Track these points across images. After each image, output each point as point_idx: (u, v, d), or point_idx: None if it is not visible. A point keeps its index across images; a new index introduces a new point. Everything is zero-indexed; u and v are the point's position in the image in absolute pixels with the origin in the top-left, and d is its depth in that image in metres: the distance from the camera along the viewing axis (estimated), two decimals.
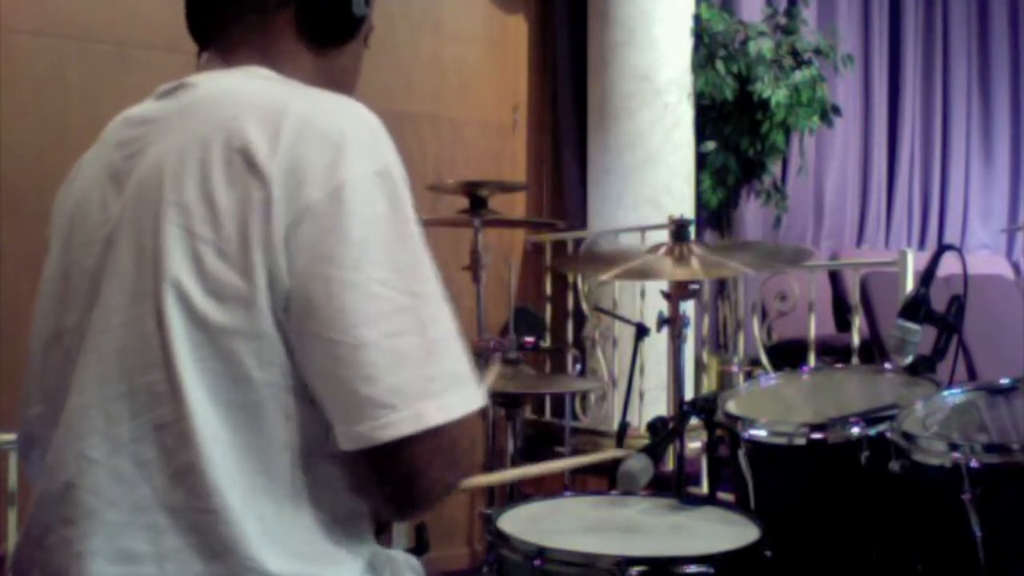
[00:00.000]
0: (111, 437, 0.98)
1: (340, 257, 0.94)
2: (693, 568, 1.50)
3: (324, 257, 0.94)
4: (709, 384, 3.82)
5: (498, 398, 2.50)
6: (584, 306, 4.01)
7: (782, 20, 4.42)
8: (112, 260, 1.03)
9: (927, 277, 1.91)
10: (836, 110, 4.41)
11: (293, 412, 0.98)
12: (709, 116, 4.11)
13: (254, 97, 1.04)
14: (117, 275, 1.02)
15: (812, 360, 3.06)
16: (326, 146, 0.97)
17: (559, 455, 3.64)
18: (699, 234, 4.13)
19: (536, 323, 4.04)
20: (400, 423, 0.93)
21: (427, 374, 0.96)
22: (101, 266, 1.04)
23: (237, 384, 0.96)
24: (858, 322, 3.00)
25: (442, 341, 0.98)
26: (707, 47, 4.01)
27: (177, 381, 0.96)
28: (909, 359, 1.93)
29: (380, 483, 0.99)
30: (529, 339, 2.93)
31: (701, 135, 4.10)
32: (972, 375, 4.19)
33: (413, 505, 1.03)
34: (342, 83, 1.17)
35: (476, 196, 2.84)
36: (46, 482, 1.04)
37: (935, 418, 1.69)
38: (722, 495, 2.00)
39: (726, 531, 1.67)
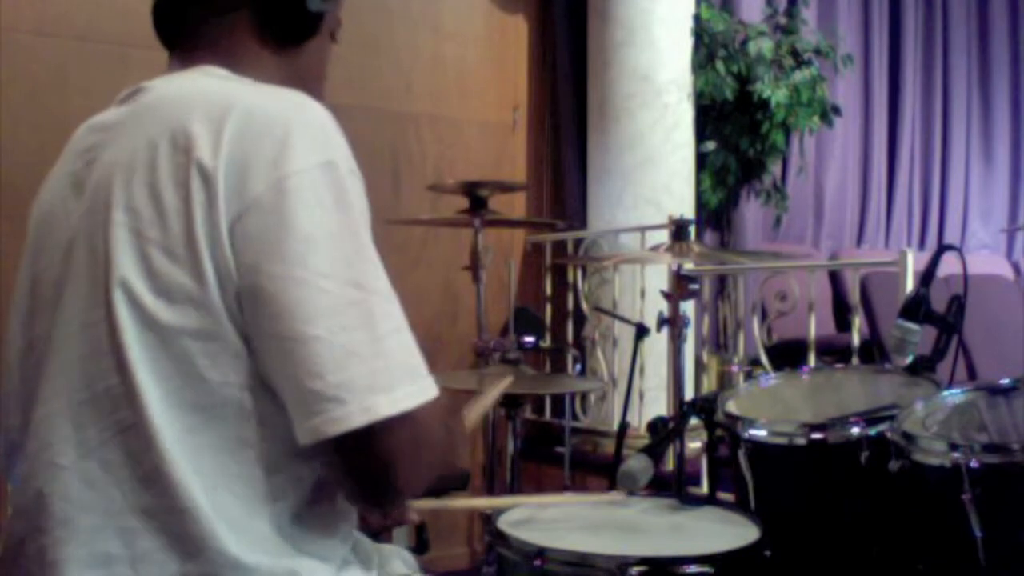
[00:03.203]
0: (79, 443, 0.98)
1: (285, 252, 0.94)
2: (693, 568, 1.50)
3: (269, 252, 0.94)
4: (709, 384, 3.81)
5: (498, 397, 2.50)
6: (584, 306, 4.01)
7: (782, 20, 4.42)
8: (71, 266, 1.03)
9: (927, 277, 1.91)
10: (836, 110, 4.41)
11: (254, 410, 0.98)
12: (709, 116, 4.11)
13: (202, 96, 1.03)
14: (76, 281, 1.02)
15: (812, 360, 3.06)
16: (270, 140, 0.96)
17: (559, 455, 3.65)
18: (699, 234, 4.12)
19: (536, 323, 4.03)
20: (348, 417, 0.93)
21: (376, 368, 0.95)
22: (63, 273, 1.04)
23: (192, 385, 0.96)
24: (858, 322, 2.99)
25: (391, 335, 0.97)
26: (707, 47, 4.01)
27: (133, 384, 0.96)
28: (909, 359, 1.93)
29: (351, 477, 1.00)
30: (529, 339, 2.93)
31: (701, 135, 4.09)
32: (972, 375, 4.19)
33: (387, 497, 1.04)
34: (307, 81, 1.17)
35: (476, 196, 2.83)
36: (20, 493, 1.04)
37: (935, 418, 1.69)
38: (722, 495, 2.00)
39: (726, 531, 1.67)
